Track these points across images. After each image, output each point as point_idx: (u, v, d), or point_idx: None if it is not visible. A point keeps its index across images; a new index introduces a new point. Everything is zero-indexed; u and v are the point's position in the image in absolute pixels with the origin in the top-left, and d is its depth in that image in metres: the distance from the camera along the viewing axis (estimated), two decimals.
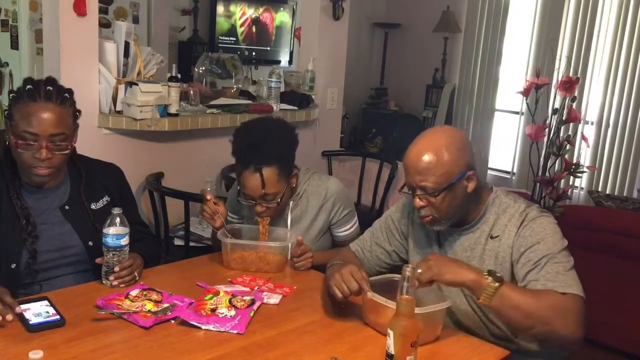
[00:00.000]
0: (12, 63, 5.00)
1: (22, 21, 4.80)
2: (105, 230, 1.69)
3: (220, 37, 5.59)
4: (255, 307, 1.61)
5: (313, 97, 3.65)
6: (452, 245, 1.73)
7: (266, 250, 1.94)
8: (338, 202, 2.13)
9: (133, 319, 1.51)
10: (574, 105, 3.36)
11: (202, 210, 2.02)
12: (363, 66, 6.15)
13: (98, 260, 1.73)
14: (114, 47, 2.74)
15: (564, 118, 3.20)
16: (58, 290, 1.68)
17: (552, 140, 3.23)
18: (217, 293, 1.66)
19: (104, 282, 1.72)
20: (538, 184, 3.30)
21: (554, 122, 3.23)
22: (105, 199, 1.90)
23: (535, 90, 3.19)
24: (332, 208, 2.12)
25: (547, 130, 3.23)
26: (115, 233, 1.68)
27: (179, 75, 2.90)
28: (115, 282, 1.70)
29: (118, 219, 1.69)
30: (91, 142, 2.48)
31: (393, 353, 1.30)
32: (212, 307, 1.57)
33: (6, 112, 1.72)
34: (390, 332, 1.31)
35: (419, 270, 1.46)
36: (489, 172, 5.47)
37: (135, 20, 5.00)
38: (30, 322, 1.44)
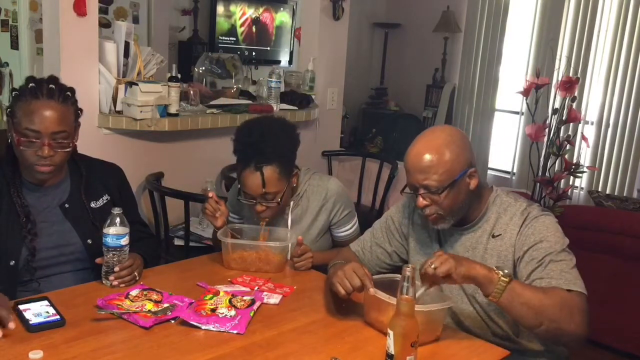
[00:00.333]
0: (12, 63, 5.00)
1: (22, 21, 4.81)
2: (105, 230, 1.69)
3: (220, 37, 5.59)
4: (255, 307, 1.60)
5: (313, 97, 3.65)
6: (454, 244, 1.73)
7: (266, 250, 1.94)
8: (338, 203, 2.12)
9: (133, 319, 1.51)
10: (574, 105, 3.36)
11: (204, 209, 2.02)
12: (363, 66, 6.15)
13: (98, 260, 1.73)
14: (114, 47, 2.74)
15: (564, 118, 3.21)
16: (58, 290, 1.68)
17: (552, 140, 3.23)
18: (217, 293, 1.66)
19: (104, 282, 1.72)
20: (538, 184, 3.30)
21: (554, 122, 3.23)
22: (105, 197, 1.90)
23: (535, 90, 3.19)
24: (333, 208, 2.12)
25: (547, 130, 3.23)
26: (115, 233, 1.68)
27: (179, 75, 2.90)
28: (115, 282, 1.70)
29: (118, 219, 1.69)
30: (91, 142, 2.48)
31: (393, 353, 1.30)
32: (212, 307, 1.57)
33: (8, 110, 1.73)
34: (390, 332, 1.31)
35: (433, 266, 1.43)
36: (489, 172, 5.46)
37: (135, 20, 5.00)
38: (30, 322, 1.44)
